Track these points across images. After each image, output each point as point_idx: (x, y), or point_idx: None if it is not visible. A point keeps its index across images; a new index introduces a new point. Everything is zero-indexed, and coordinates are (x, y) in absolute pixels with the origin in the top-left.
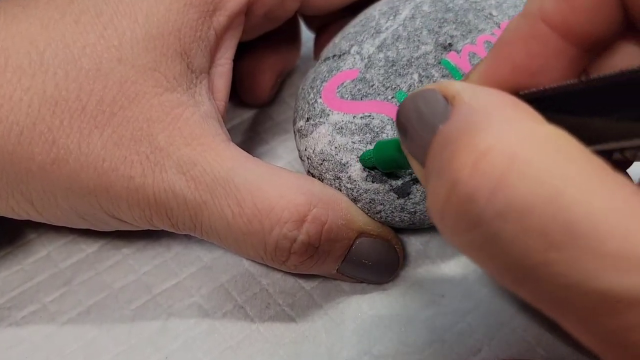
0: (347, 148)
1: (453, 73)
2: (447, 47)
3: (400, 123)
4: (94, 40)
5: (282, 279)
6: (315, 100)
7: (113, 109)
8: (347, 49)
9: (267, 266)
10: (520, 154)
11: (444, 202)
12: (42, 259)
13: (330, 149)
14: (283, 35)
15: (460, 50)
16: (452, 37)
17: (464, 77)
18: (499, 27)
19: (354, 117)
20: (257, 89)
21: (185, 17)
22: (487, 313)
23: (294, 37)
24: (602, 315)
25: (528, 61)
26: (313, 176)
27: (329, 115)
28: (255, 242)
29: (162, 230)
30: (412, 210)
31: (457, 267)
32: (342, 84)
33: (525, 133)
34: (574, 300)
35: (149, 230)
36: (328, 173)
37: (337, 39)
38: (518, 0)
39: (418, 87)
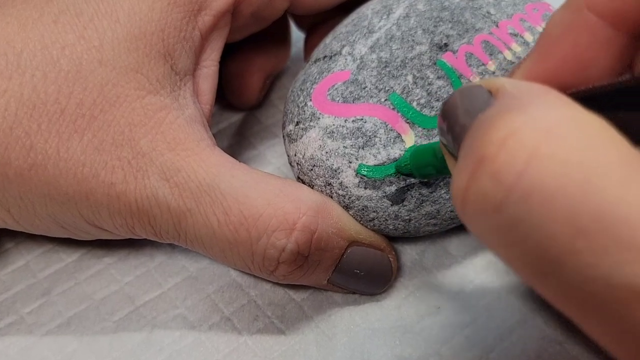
0: (338, 153)
1: (449, 74)
2: (443, 47)
3: (443, 116)
4: (74, 40)
5: (271, 290)
6: (305, 104)
7: (93, 113)
8: (339, 49)
9: (256, 277)
10: (554, 133)
11: (468, 181)
12: (20, 268)
13: (321, 154)
14: (272, 36)
15: (457, 50)
16: (448, 36)
17: (509, 74)
18: (497, 26)
19: (345, 120)
20: (245, 91)
21: (169, 17)
22: (485, 326)
23: (284, 38)
24: (629, 312)
25: (575, 54)
26: (303, 182)
27: (319, 118)
28: (242, 251)
29: (145, 238)
30: (406, 217)
31: (454, 278)
32: (333, 86)
33: (562, 115)
34: (599, 295)
35: (131, 238)
36: (319, 179)
37: (328, 39)
38: None
39: (412, 89)
